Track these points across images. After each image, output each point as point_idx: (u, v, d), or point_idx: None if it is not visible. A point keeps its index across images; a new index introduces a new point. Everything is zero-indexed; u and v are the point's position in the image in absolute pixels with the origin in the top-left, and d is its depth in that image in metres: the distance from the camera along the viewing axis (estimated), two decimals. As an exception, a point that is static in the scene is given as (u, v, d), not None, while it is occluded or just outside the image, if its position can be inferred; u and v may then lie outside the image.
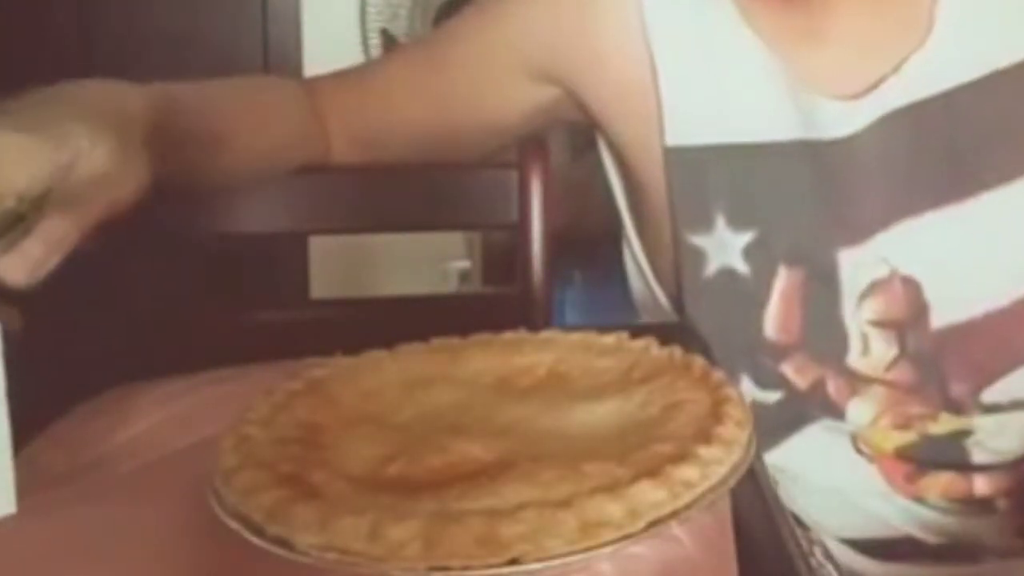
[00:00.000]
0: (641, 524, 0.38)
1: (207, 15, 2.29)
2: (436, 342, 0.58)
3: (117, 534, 0.46)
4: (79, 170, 0.52)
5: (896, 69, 0.72)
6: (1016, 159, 0.71)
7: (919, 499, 0.76)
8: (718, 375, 0.50)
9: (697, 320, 0.76)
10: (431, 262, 2.32)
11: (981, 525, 0.76)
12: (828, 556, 0.79)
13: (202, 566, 0.43)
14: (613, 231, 0.89)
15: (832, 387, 0.74)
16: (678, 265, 0.77)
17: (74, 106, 0.56)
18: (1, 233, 0.47)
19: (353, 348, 0.56)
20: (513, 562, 0.37)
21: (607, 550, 0.38)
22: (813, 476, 0.77)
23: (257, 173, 0.82)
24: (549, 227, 0.90)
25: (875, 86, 0.72)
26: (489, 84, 0.83)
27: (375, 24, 2.42)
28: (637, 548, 0.39)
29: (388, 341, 0.57)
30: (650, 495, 0.39)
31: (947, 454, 0.75)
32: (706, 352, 0.56)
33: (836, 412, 0.74)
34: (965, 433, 0.74)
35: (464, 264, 2.31)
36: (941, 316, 0.71)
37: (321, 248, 2.17)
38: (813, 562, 0.77)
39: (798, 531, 0.62)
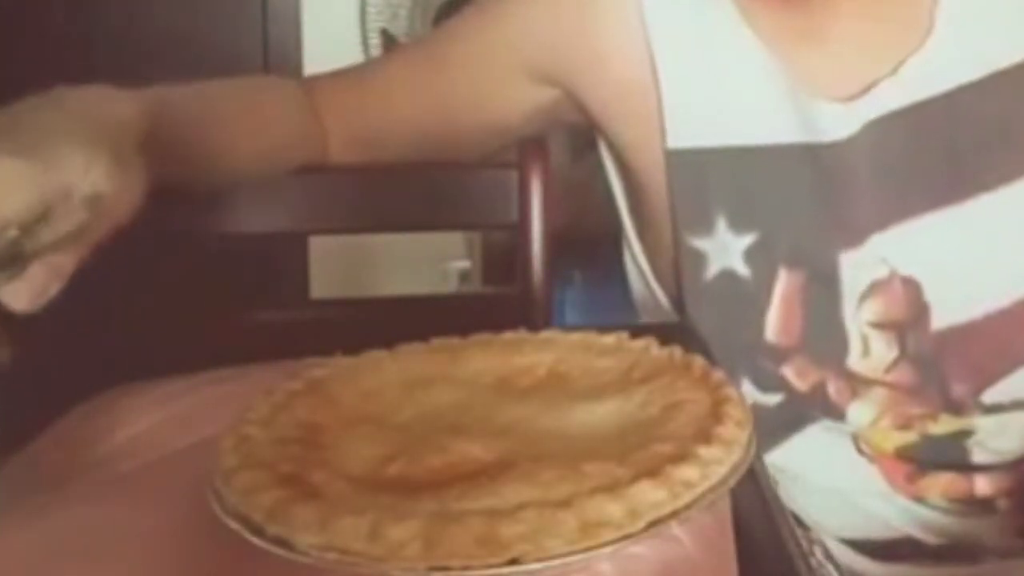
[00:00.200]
0: (641, 524, 0.38)
1: (207, 15, 2.29)
2: (436, 342, 0.58)
3: (117, 534, 0.46)
4: (75, 193, 0.51)
5: (895, 70, 0.72)
6: (1016, 160, 0.71)
7: (920, 499, 0.76)
8: (718, 375, 0.50)
9: (698, 322, 0.76)
10: (431, 262, 2.32)
11: (981, 525, 0.76)
12: (828, 556, 0.79)
13: (202, 566, 0.43)
14: (613, 231, 0.89)
15: (833, 389, 0.74)
16: (679, 268, 0.77)
17: (67, 121, 0.55)
18: (5, 264, 0.47)
19: (353, 348, 0.56)
20: (513, 562, 0.37)
21: (607, 550, 0.38)
22: (814, 476, 0.77)
23: (256, 174, 0.82)
24: (549, 227, 0.90)
25: (873, 87, 0.72)
26: (489, 84, 0.83)
27: (375, 24, 2.41)
28: (637, 548, 0.39)
29: (388, 341, 0.57)
30: (650, 495, 0.39)
31: (948, 454, 0.75)
32: (706, 352, 0.56)
33: (837, 414, 0.74)
34: (966, 433, 0.74)
35: (464, 264, 2.30)
36: (941, 317, 0.71)
37: (321, 248, 2.17)
38: (813, 562, 0.77)
39: (798, 531, 0.62)
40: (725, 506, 0.44)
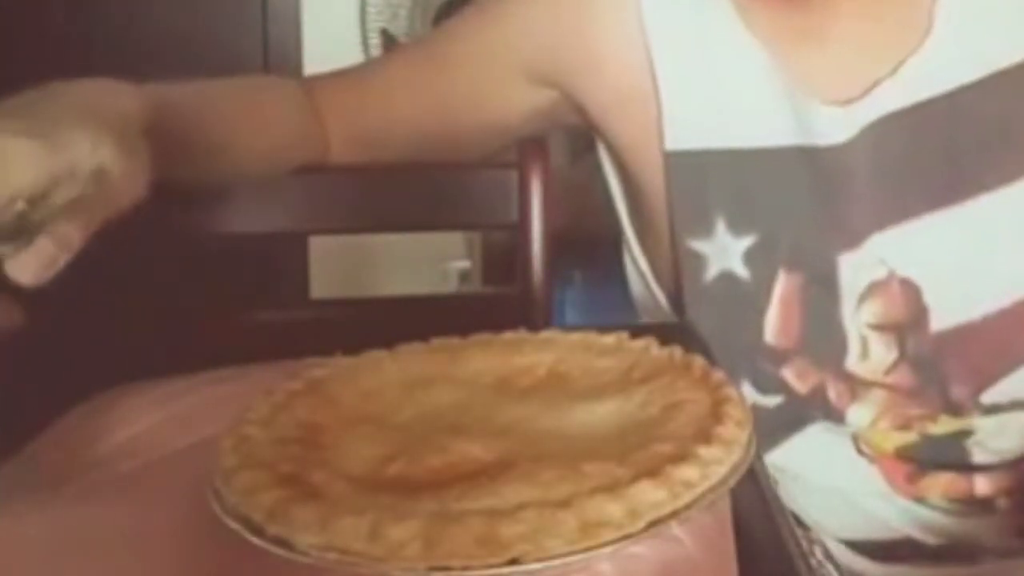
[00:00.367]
0: (641, 524, 0.38)
1: (207, 15, 2.29)
2: (436, 342, 0.58)
3: (117, 534, 0.46)
4: (82, 172, 0.52)
5: (894, 71, 0.72)
6: (1016, 160, 0.71)
7: (919, 499, 0.76)
8: (718, 375, 0.50)
9: (697, 324, 0.75)
10: (431, 262, 2.32)
11: (981, 526, 0.76)
12: (828, 556, 0.79)
13: (202, 566, 0.43)
14: (613, 231, 0.89)
15: (832, 392, 0.74)
16: (678, 270, 0.77)
17: (71, 108, 0.56)
18: (13, 235, 0.48)
19: (353, 348, 0.56)
20: (513, 562, 0.37)
21: (607, 550, 0.38)
22: (813, 476, 0.77)
23: (256, 173, 0.82)
24: (549, 227, 0.90)
25: (872, 89, 0.72)
26: (488, 85, 0.83)
27: (375, 24, 2.42)
28: (637, 548, 0.39)
29: (388, 341, 0.57)
30: (650, 495, 0.39)
31: (947, 454, 0.75)
32: (706, 352, 0.56)
33: (836, 416, 0.74)
34: (965, 433, 0.74)
35: (464, 264, 2.31)
36: (940, 319, 0.71)
37: (321, 248, 2.17)
38: (813, 562, 0.77)
39: (798, 531, 0.62)
40: (725, 506, 0.44)
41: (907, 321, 0.72)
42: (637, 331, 0.56)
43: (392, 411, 0.51)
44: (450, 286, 2.32)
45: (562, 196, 0.92)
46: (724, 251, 0.74)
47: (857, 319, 0.72)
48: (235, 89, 0.81)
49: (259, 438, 0.46)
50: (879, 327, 0.72)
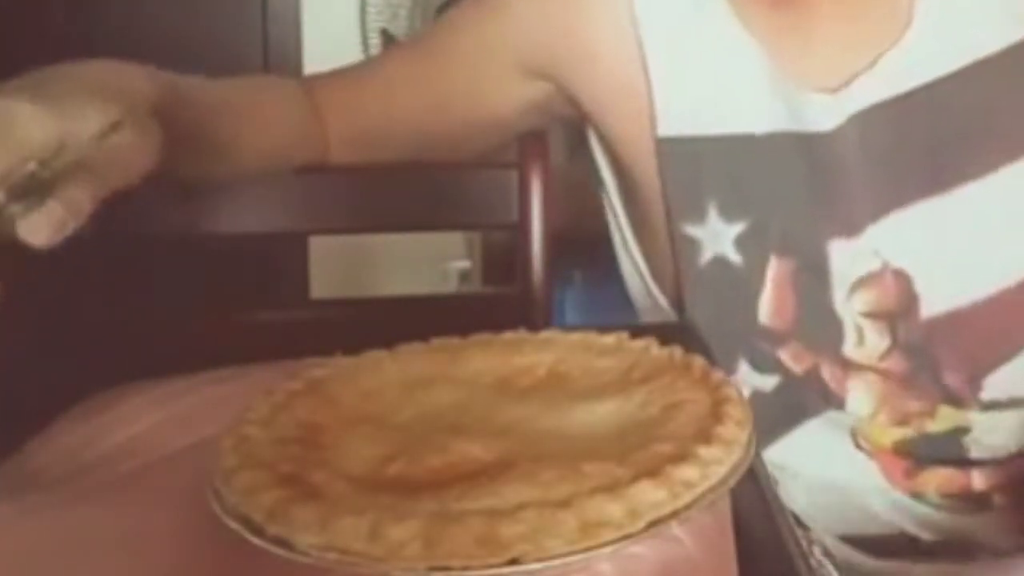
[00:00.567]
0: (641, 524, 0.38)
1: (207, 15, 2.29)
2: (436, 342, 0.58)
3: (117, 534, 0.46)
4: (90, 137, 0.52)
5: (874, 63, 0.73)
6: (999, 148, 0.72)
7: (917, 495, 0.76)
8: (718, 375, 0.50)
9: (694, 308, 0.76)
10: (431, 262, 2.32)
11: (977, 522, 0.76)
12: (827, 554, 0.79)
13: (202, 566, 0.43)
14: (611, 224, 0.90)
15: (827, 372, 0.74)
16: (674, 255, 0.77)
17: (81, 81, 0.56)
18: (23, 195, 0.49)
19: (353, 348, 0.56)
20: (513, 562, 0.37)
21: (607, 550, 0.38)
22: (812, 472, 0.78)
23: (256, 171, 0.82)
24: (549, 227, 0.90)
25: (854, 80, 0.73)
26: (484, 78, 0.84)
27: (375, 24, 2.42)
28: (637, 548, 0.39)
29: (388, 341, 0.57)
30: (650, 495, 0.39)
31: (945, 450, 0.75)
32: (706, 352, 0.56)
33: (835, 400, 0.75)
34: (962, 430, 0.75)
35: (464, 264, 2.31)
36: (931, 306, 0.72)
37: (321, 248, 2.17)
38: (812, 562, 0.77)
39: (798, 531, 0.62)
40: (725, 506, 0.44)
41: (898, 309, 0.73)
42: (637, 331, 0.56)
43: (392, 411, 0.51)
44: (450, 286, 2.32)
45: (562, 196, 0.92)
46: (717, 236, 0.75)
47: (849, 307, 0.73)
48: (238, 87, 0.81)
49: (259, 438, 0.46)
50: (871, 315, 0.73)
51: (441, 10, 2.37)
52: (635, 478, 0.40)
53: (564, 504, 0.38)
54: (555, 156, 0.92)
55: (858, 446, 0.77)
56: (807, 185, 0.74)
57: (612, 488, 0.39)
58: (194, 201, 0.85)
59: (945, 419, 0.75)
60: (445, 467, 0.44)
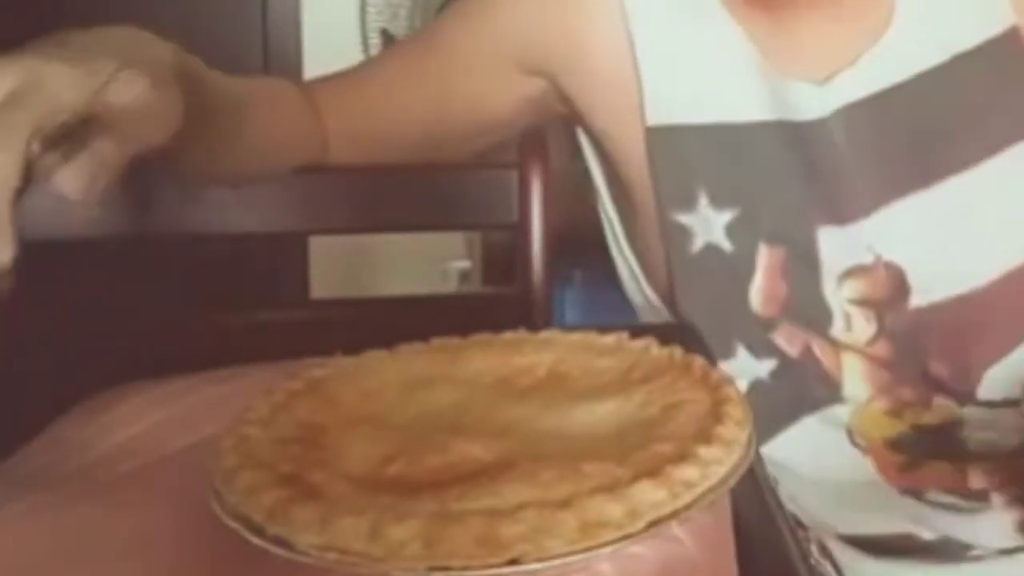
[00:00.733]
0: (641, 524, 0.38)
1: (207, 15, 2.29)
2: (436, 342, 0.58)
3: (117, 534, 0.46)
4: (117, 99, 0.52)
5: (855, 60, 0.74)
6: (983, 141, 0.73)
7: (914, 492, 0.77)
8: (718, 375, 0.50)
9: (686, 298, 0.77)
10: (431, 262, 2.32)
11: (976, 521, 0.77)
12: (825, 554, 0.79)
13: (202, 566, 0.43)
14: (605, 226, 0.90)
15: (819, 351, 0.75)
16: (665, 245, 0.78)
17: (109, 44, 0.56)
18: (58, 142, 0.49)
19: (353, 348, 0.56)
20: (513, 562, 0.37)
21: (607, 550, 0.38)
22: (808, 470, 0.78)
23: (254, 171, 0.82)
24: (549, 227, 0.90)
25: (837, 74, 0.74)
26: (481, 75, 0.84)
27: (375, 24, 2.42)
28: (637, 548, 0.39)
29: (388, 341, 0.57)
30: (650, 495, 0.39)
31: (939, 445, 0.76)
32: (706, 352, 0.56)
33: (831, 382, 0.75)
34: (956, 424, 0.75)
35: (464, 264, 2.31)
36: (920, 297, 0.73)
37: (321, 248, 2.17)
38: (811, 561, 0.77)
39: (797, 531, 0.62)
40: (725, 506, 0.44)
41: (888, 299, 0.74)
42: (637, 331, 0.56)
43: (392, 411, 0.51)
44: (450, 286, 2.32)
45: (562, 196, 0.92)
46: (707, 224, 0.76)
47: (839, 294, 0.74)
48: (239, 84, 0.81)
49: (259, 438, 0.46)
50: (860, 303, 0.74)
51: (441, 10, 2.38)
52: (635, 478, 0.40)
53: (564, 504, 0.38)
54: (556, 157, 0.92)
55: (854, 443, 0.77)
56: (796, 173, 0.75)
57: (612, 488, 0.39)
58: (194, 201, 0.85)
59: (940, 412, 0.75)
60: (445, 467, 0.44)
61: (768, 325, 0.76)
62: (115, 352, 0.70)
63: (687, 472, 0.40)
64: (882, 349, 0.75)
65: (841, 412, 0.77)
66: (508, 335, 0.58)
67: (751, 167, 0.76)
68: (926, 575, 0.78)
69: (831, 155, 0.74)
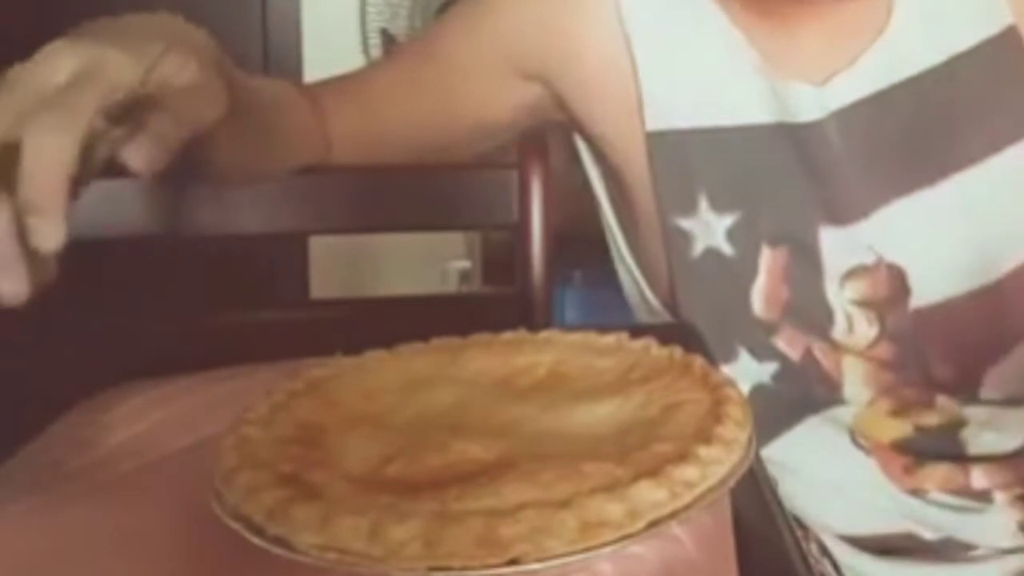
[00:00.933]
0: (641, 524, 0.38)
1: (207, 15, 2.28)
2: (436, 342, 0.58)
3: (117, 534, 0.46)
4: (171, 79, 0.53)
5: (853, 61, 0.73)
6: (982, 141, 0.73)
7: (916, 492, 0.77)
8: (718, 375, 0.50)
9: (687, 302, 0.77)
10: (431, 262, 2.32)
11: (978, 520, 0.77)
12: (825, 553, 0.79)
13: (202, 566, 0.43)
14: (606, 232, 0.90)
15: (820, 353, 0.75)
16: (666, 250, 0.78)
17: (158, 31, 0.57)
18: (120, 121, 0.50)
19: (353, 348, 0.56)
20: (513, 562, 0.37)
21: (607, 550, 0.38)
22: (811, 470, 0.78)
23: (260, 170, 0.82)
24: (549, 227, 0.90)
25: (835, 75, 0.74)
26: (479, 80, 0.84)
27: (375, 24, 2.42)
28: (637, 548, 0.39)
29: (388, 341, 0.57)
30: (650, 495, 0.39)
31: (943, 446, 0.76)
32: (706, 352, 0.56)
33: (832, 384, 0.75)
34: (960, 425, 0.75)
35: (464, 264, 2.31)
36: (920, 298, 0.73)
37: (321, 248, 2.17)
38: (810, 560, 0.77)
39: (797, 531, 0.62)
40: (725, 506, 0.44)
41: (889, 300, 0.73)
42: (637, 331, 0.56)
43: (392, 411, 0.51)
44: (450, 286, 2.32)
45: (562, 196, 0.92)
46: (708, 228, 0.76)
47: (841, 295, 0.74)
48: (256, 81, 0.81)
49: (259, 438, 0.46)
50: (861, 303, 0.74)
51: (441, 10, 2.38)
52: (635, 478, 0.40)
53: (564, 504, 0.38)
54: (557, 158, 0.92)
55: (857, 444, 0.77)
56: (796, 175, 0.75)
57: (612, 488, 0.39)
58: (195, 201, 0.85)
59: (942, 412, 0.75)
60: (445, 467, 0.44)
61: (770, 328, 0.76)
62: (115, 352, 0.70)
63: (687, 472, 0.40)
64: (884, 351, 0.75)
65: (843, 413, 0.77)
66: (508, 335, 0.58)
67: (751, 170, 0.76)
68: (927, 574, 0.78)
69: (830, 156, 0.74)
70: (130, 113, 0.51)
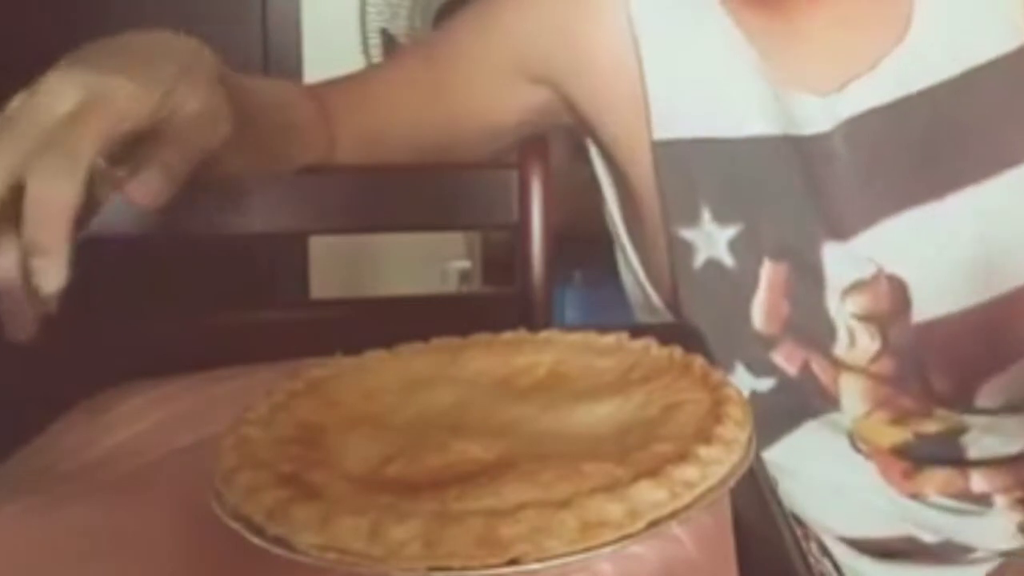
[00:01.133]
0: (641, 524, 0.38)
1: (207, 15, 2.29)
2: (436, 342, 0.58)
3: (117, 533, 0.46)
4: (181, 110, 0.54)
5: (871, 68, 0.73)
6: (995, 155, 0.72)
7: (916, 496, 0.76)
8: (718, 375, 0.50)
9: (690, 311, 0.77)
10: (431, 262, 2.32)
11: (978, 523, 0.76)
12: (825, 552, 0.79)
13: (202, 566, 0.43)
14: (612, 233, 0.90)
15: (818, 368, 0.75)
16: (670, 258, 0.77)
17: (166, 55, 0.57)
18: (125, 159, 0.51)
19: (353, 348, 0.56)
20: (513, 562, 0.37)
21: (607, 550, 0.38)
22: (811, 474, 0.78)
23: (260, 170, 0.82)
24: (549, 227, 0.90)
25: (849, 84, 0.73)
26: (484, 84, 0.84)
27: (375, 24, 2.42)
28: (637, 548, 0.39)
29: (388, 341, 0.57)
30: (650, 495, 0.39)
31: (942, 451, 0.75)
32: (706, 352, 0.56)
33: (829, 397, 0.75)
34: (959, 431, 0.75)
35: (464, 264, 2.31)
36: (922, 312, 0.72)
37: (321, 248, 2.17)
38: (810, 560, 0.77)
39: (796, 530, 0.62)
40: (725, 506, 0.44)
41: (890, 313, 0.73)
42: (637, 331, 0.56)
43: (392, 411, 0.51)
44: (450, 286, 2.32)
45: (562, 196, 0.92)
46: (710, 239, 0.76)
47: (842, 310, 0.73)
48: (258, 83, 0.81)
49: (259, 438, 0.46)
50: (863, 318, 0.74)
51: (441, 10, 2.38)
52: (635, 478, 0.40)
53: (564, 504, 0.38)
54: (557, 157, 0.92)
55: (856, 448, 0.77)
56: (800, 189, 0.74)
57: (612, 488, 0.39)
58: (195, 201, 0.85)
59: (941, 420, 0.75)
60: (445, 467, 0.44)
61: (769, 342, 0.75)
62: (115, 352, 0.70)
63: (687, 472, 0.40)
64: (884, 366, 0.74)
65: (841, 419, 0.76)
66: (508, 335, 0.58)
67: (755, 182, 0.75)
68: (927, 577, 0.78)
69: (836, 169, 0.73)
70: (132, 149, 0.51)
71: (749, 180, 0.75)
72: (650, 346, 0.55)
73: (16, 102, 0.50)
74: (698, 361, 0.52)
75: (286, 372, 0.53)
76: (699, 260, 0.76)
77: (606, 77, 0.79)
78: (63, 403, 0.60)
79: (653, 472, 0.40)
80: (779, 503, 0.50)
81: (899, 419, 0.75)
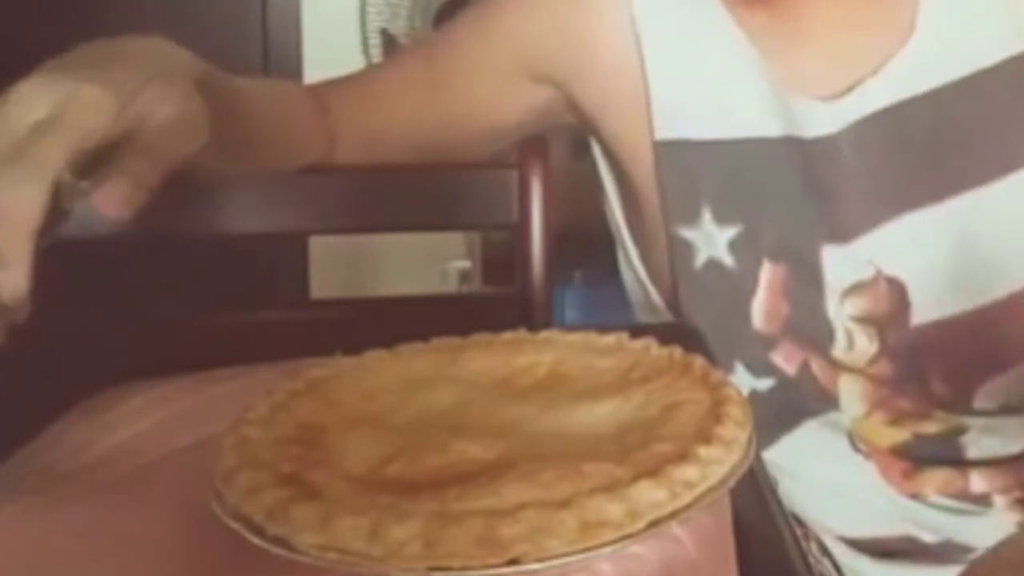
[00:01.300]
0: (641, 524, 0.38)
1: (207, 15, 2.29)
2: (436, 342, 0.58)
3: (117, 533, 0.46)
4: (151, 118, 0.53)
5: (876, 71, 0.72)
6: (998, 159, 0.72)
7: (916, 496, 0.76)
8: (718, 375, 0.50)
9: (690, 311, 0.77)
10: (431, 262, 2.32)
11: (978, 523, 0.76)
12: (825, 552, 0.79)
13: (202, 566, 0.43)
14: (613, 231, 0.90)
15: (817, 368, 0.75)
16: (671, 257, 0.77)
17: (139, 61, 0.56)
18: (89, 172, 0.50)
19: (353, 348, 0.56)
20: (513, 562, 0.37)
21: (607, 550, 0.38)
22: (811, 474, 0.78)
23: (264, 168, 0.82)
24: (549, 227, 0.90)
25: (855, 87, 0.73)
26: (486, 83, 0.84)
27: (375, 24, 2.42)
28: (637, 548, 0.39)
29: (388, 341, 0.57)
30: (650, 495, 0.39)
31: (942, 451, 0.76)
32: (706, 352, 0.56)
33: (829, 398, 0.75)
34: (958, 432, 0.75)
35: (464, 264, 2.31)
36: (921, 314, 0.72)
37: (321, 248, 2.17)
38: (810, 560, 0.77)
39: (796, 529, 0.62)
40: (725, 506, 0.44)
41: (889, 316, 0.73)
42: (637, 331, 0.56)
43: (392, 411, 0.51)
44: (450, 286, 2.32)
45: (562, 196, 0.92)
46: (710, 239, 0.76)
47: (841, 312, 0.73)
48: (255, 84, 0.81)
49: (259, 438, 0.46)
50: (862, 320, 0.74)
51: (441, 10, 2.38)
52: (635, 478, 0.40)
53: (564, 504, 0.38)
54: (558, 157, 0.92)
55: (856, 448, 0.77)
56: (800, 191, 0.74)
57: (612, 488, 0.39)
58: (195, 201, 0.85)
59: (940, 421, 0.75)
60: (445, 467, 0.44)
61: (769, 342, 0.75)
62: (115, 352, 0.70)
63: (687, 472, 0.40)
64: (882, 368, 0.74)
65: (841, 419, 0.76)
66: (508, 335, 0.58)
67: (755, 183, 0.75)
68: (927, 576, 0.78)
69: (838, 171, 0.73)
70: (99, 160, 0.50)
71: (750, 181, 0.75)
72: (650, 346, 0.55)
73: None
74: (698, 361, 0.52)
75: (286, 372, 0.53)
76: (699, 260, 0.76)
77: (608, 76, 0.79)
78: (63, 403, 0.60)
79: (653, 472, 0.40)
80: (779, 503, 0.50)
81: (898, 420, 0.75)
